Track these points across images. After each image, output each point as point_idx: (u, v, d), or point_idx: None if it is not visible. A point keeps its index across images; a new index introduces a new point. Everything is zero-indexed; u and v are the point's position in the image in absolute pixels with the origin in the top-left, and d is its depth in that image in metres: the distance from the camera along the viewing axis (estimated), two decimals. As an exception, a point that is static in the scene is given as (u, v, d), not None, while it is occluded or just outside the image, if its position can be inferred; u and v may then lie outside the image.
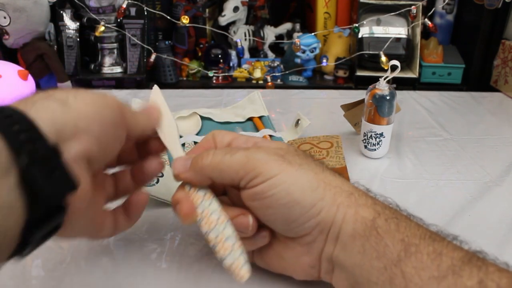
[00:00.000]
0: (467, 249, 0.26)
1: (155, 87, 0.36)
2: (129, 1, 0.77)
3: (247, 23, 0.91)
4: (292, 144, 0.53)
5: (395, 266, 0.25)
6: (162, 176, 0.45)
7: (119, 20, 0.78)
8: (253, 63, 0.87)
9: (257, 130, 0.57)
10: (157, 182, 0.44)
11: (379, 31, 0.82)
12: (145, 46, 0.79)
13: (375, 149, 0.51)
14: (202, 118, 0.60)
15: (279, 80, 0.86)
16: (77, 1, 0.76)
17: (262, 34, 0.89)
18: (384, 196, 0.31)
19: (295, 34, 0.88)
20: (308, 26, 0.96)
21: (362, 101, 0.52)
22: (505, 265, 0.25)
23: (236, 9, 0.86)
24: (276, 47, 0.93)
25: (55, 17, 0.77)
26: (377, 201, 0.29)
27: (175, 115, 0.60)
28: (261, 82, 0.85)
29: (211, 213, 0.29)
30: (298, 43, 0.82)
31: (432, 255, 0.25)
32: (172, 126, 0.34)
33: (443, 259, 0.24)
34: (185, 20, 0.79)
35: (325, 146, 0.52)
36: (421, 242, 0.25)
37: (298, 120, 0.56)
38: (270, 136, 0.54)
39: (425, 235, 0.26)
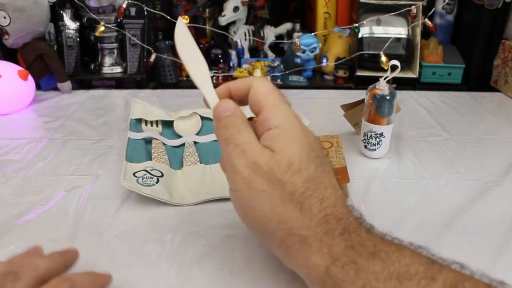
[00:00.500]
0: (444, 278, 0.24)
1: (179, 21, 0.35)
2: (129, 1, 0.77)
3: (247, 23, 0.91)
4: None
5: None
6: (162, 176, 0.45)
7: (119, 20, 0.78)
8: (253, 63, 0.87)
9: None
10: (157, 182, 0.44)
11: (379, 31, 0.82)
12: (145, 46, 0.79)
13: (375, 149, 0.51)
14: (202, 118, 0.60)
15: (279, 80, 0.86)
16: (77, 1, 0.76)
17: (262, 34, 0.89)
18: (357, 209, 0.29)
19: (295, 34, 0.88)
20: (308, 26, 0.96)
21: (362, 101, 0.52)
22: (488, 281, 0.24)
23: (236, 9, 0.86)
24: (276, 47, 0.93)
25: (55, 17, 0.77)
26: (336, 243, 0.26)
27: (175, 115, 0.60)
28: (261, 82, 0.85)
29: None
30: (298, 43, 0.82)
31: None
32: (202, 64, 0.34)
33: None
34: (185, 20, 0.79)
35: (325, 146, 0.52)
36: (386, 285, 0.23)
37: None
38: None
39: (391, 277, 0.24)
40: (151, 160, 0.48)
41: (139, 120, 0.58)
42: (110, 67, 0.82)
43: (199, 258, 0.36)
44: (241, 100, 0.33)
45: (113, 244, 0.37)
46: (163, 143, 0.53)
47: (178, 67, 0.86)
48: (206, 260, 0.35)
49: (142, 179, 0.44)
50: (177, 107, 0.68)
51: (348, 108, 0.57)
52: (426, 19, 0.80)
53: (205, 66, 0.34)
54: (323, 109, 0.72)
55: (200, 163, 0.49)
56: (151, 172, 0.45)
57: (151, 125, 0.58)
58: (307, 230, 0.27)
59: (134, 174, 0.44)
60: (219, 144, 0.31)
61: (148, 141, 0.54)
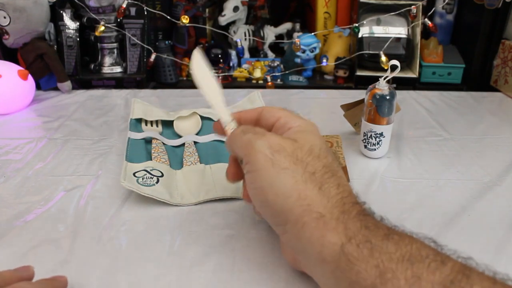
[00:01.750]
0: (452, 263, 0.24)
1: (195, 53, 0.41)
2: (129, 1, 0.77)
3: (247, 23, 0.91)
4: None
5: None
6: (162, 176, 0.45)
7: (119, 20, 0.78)
8: (253, 63, 0.87)
9: None
10: (157, 182, 0.44)
11: (379, 31, 0.82)
12: (145, 46, 0.79)
13: (375, 149, 0.51)
14: (202, 118, 0.60)
15: (279, 80, 0.86)
16: (77, 1, 0.76)
17: (262, 34, 0.89)
18: (368, 204, 0.30)
19: (295, 34, 0.88)
20: (308, 26, 0.96)
21: (362, 101, 0.52)
22: (492, 274, 0.24)
23: (236, 9, 0.86)
24: (276, 47, 0.93)
25: (55, 17, 0.77)
26: (352, 222, 0.27)
27: (175, 115, 0.60)
28: (261, 82, 0.85)
29: None
30: (298, 43, 0.82)
31: (411, 280, 0.23)
32: (216, 90, 0.38)
33: (422, 284, 0.23)
34: (185, 20, 0.79)
35: None
36: (398, 266, 0.24)
37: None
38: None
39: (403, 258, 0.24)
40: (151, 160, 0.48)
41: (139, 120, 0.58)
42: (110, 67, 0.82)
43: (199, 258, 0.36)
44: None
45: (113, 244, 0.37)
46: (163, 143, 0.53)
47: (178, 67, 0.86)
48: (206, 260, 0.35)
49: (142, 179, 0.44)
50: (177, 107, 0.68)
51: (348, 108, 0.57)
52: (426, 19, 0.80)
53: (219, 91, 0.39)
54: (323, 109, 0.72)
55: (200, 163, 0.49)
56: (151, 172, 0.45)
57: (151, 125, 0.58)
58: (324, 209, 0.27)
59: (134, 174, 0.44)
60: (231, 144, 0.33)
61: (148, 141, 0.54)
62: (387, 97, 0.48)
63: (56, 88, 0.76)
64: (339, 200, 0.28)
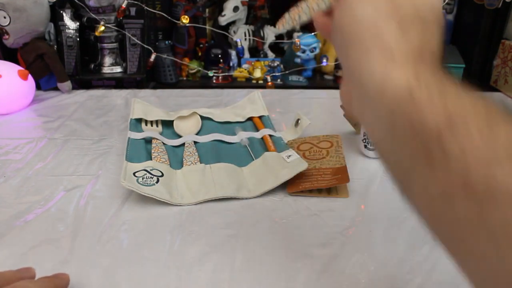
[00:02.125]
0: None
1: None
2: (129, 1, 0.77)
3: (247, 23, 0.91)
4: (292, 144, 0.53)
5: (436, 144, 0.20)
6: (162, 175, 0.45)
7: (119, 20, 0.78)
8: (253, 63, 0.87)
9: (257, 129, 0.57)
10: (157, 182, 0.44)
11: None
12: (145, 46, 0.79)
13: (375, 149, 0.51)
14: (202, 118, 0.60)
15: (279, 80, 0.86)
16: (77, 1, 0.76)
17: (262, 34, 0.89)
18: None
19: (295, 34, 0.88)
20: (308, 26, 0.96)
21: (362, 101, 0.52)
22: None
23: (236, 9, 0.86)
24: (276, 47, 0.93)
25: (55, 17, 0.77)
26: (424, 66, 0.23)
27: (175, 115, 0.60)
28: (261, 82, 0.85)
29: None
30: (298, 43, 0.82)
31: (485, 130, 0.19)
32: None
33: (499, 136, 0.19)
34: (185, 20, 0.79)
35: (325, 145, 0.52)
36: (471, 115, 0.20)
37: (298, 119, 0.56)
38: (270, 136, 0.54)
39: (479, 110, 0.20)
40: (151, 160, 0.48)
41: (139, 120, 0.58)
42: (110, 67, 0.82)
43: (199, 258, 0.36)
44: None
45: (113, 244, 0.37)
46: (163, 143, 0.53)
47: (178, 67, 0.86)
48: (206, 260, 0.35)
49: (142, 178, 0.44)
50: (177, 107, 0.68)
51: (348, 108, 0.57)
52: (426, 19, 0.80)
53: None
54: (323, 109, 0.72)
55: (200, 162, 0.49)
56: (151, 172, 0.45)
57: (151, 125, 0.58)
58: (396, 44, 0.23)
59: (134, 174, 0.44)
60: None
61: (148, 141, 0.53)
62: (387, 97, 0.48)
63: (56, 88, 0.76)
64: (417, 45, 0.24)
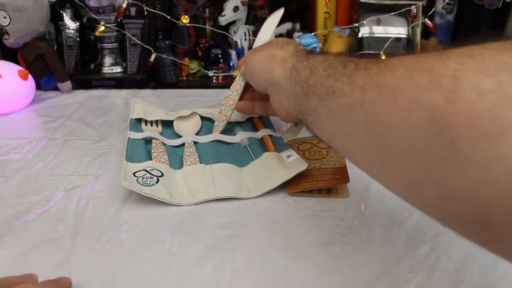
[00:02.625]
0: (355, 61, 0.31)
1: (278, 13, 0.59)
2: (129, 1, 0.77)
3: (247, 23, 0.90)
4: (292, 144, 0.53)
5: (305, 83, 0.36)
6: (162, 175, 0.45)
7: (119, 20, 0.78)
8: (253, 63, 0.87)
9: (257, 129, 0.57)
10: (157, 182, 0.44)
11: (379, 31, 0.82)
12: (145, 46, 0.79)
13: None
14: (202, 118, 0.60)
15: (279, 80, 0.85)
16: (77, 1, 0.76)
17: (262, 34, 0.89)
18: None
19: (295, 34, 0.88)
20: (308, 26, 0.96)
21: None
22: None
23: (236, 9, 0.86)
24: (276, 47, 0.92)
25: (55, 17, 0.77)
26: (301, 54, 0.41)
27: (175, 115, 0.60)
28: (261, 82, 0.85)
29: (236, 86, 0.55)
30: (298, 42, 0.82)
31: (326, 67, 0.34)
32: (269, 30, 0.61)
33: (330, 66, 0.33)
34: (185, 20, 0.79)
35: (324, 145, 0.52)
36: (319, 64, 0.35)
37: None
38: (270, 136, 0.54)
39: (323, 62, 0.35)
40: (151, 160, 0.48)
41: (139, 120, 0.58)
42: (110, 67, 0.82)
43: (199, 258, 0.36)
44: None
45: (113, 244, 0.37)
46: (163, 143, 0.53)
47: (178, 67, 0.86)
48: (206, 260, 0.36)
49: (142, 179, 0.44)
50: (177, 107, 0.68)
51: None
52: (426, 19, 0.80)
53: (270, 34, 0.62)
54: (323, 109, 0.72)
55: (200, 163, 0.49)
56: (151, 172, 0.45)
57: (151, 125, 0.58)
58: (284, 54, 0.43)
59: (134, 174, 0.44)
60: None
61: (148, 141, 0.53)
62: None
63: (56, 88, 0.76)
64: (293, 50, 0.43)
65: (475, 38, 0.23)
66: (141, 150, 0.50)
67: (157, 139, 0.53)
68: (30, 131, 0.61)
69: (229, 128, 0.57)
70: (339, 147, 0.32)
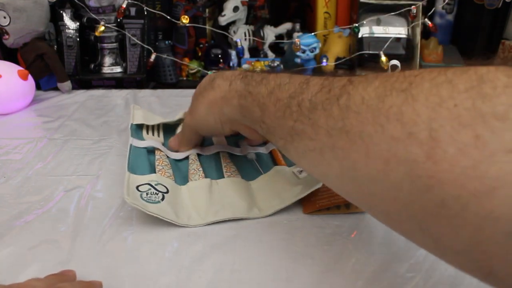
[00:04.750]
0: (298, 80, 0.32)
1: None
2: (129, 1, 0.77)
3: (247, 23, 0.90)
4: None
5: (262, 123, 0.35)
6: (167, 192, 0.42)
7: (119, 20, 0.78)
8: (253, 63, 0.87)
9: (264, 143, 0.53)
10: (163, 199, 0.40)
11: (379, 31, 0.82)
12: (145, 46, 0.79)
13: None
14: None
15: (279, 80, 0.85)
16: (77, 1, 0.76)
17: (262, 34, 0.89)
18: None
19: (295, 34, 0.88)
20: (308, 26, 0.96)
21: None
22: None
23: (236, 9, 0.86)
24: (276, 47, 0.92)
25: (55, 17, 0.77)
26: (238, 83, 0.39)
27: (175, 115, 0.59)
28: (261, 82, 0.85)
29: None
30: (298, 43, 0.82)
31: (276, 103, 0.32)
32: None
33: (279, 99, 0.32)
34: (185, 20, 0.79)
35: None
36: (266, 99, 0.34)
37: None
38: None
39: (270, 92, 0.34)
40: (155, 172, 0.44)
41: (140, 126, 0.55)
42: (110, 67, 0.82)
43: (199, 258, 0.36)
44: None
45: (113, 244, 0.37)
46: (167, 156, 0.50)
47: (178, 67, 0.86)
48: (206, 260, 0.36)
49: (147, 194, 0.40)
50: (177, 107, 0.68)
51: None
52: (426, 19, 0.80)
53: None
54: (323, 109, 0.72)
55: (206, 177, 0.45)
56: (155, 187, 0.42)
57: (152, 134, 0.55)
58: (221, 93, 0.40)
59: (137, 187, 0.41)
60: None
61: (150, 150, 0.50)
62: (387, 97, 0.48)
63: (56, 88, 0.76)
64: (226, 80, 0.40)
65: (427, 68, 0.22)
66: (144, 161, 0.47)
67: (160, 150, 0.50)
68: (30, 131, 0.61)
69: (233, 142, 0.54)
70: (320, 179, 0.31)
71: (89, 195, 0.44)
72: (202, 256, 0.36)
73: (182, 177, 0.46)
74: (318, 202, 0.41)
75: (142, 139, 0.52)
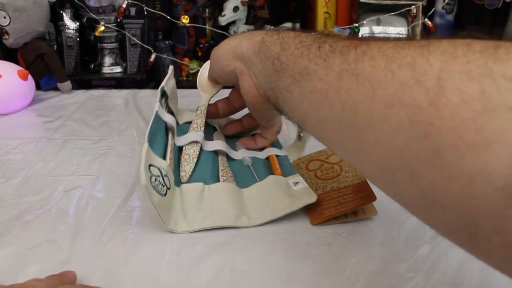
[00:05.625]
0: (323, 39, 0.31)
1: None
2: (129, 1, 0.77)
3: (247, 23, 0.90)
4: (299, 165, 0.49)
5: (276, 59, 0.35)
6: (169, 189, 0.40)
7: (119, 20, 0.78)
8: (253, 63, 0.87)
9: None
10: (165, 194, 0.38)
11: (379, 31, 0.82)
12: (145, 46, 0.79)
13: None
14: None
15: (279, 80, 0.85)
16: (77, 1, 0.76)
17: (262, 34, 0.89)
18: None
19: (295, 34, 0.88)
20: (308, 26, 0.96)
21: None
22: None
23: (236, 9, 0.86)
24: (276, 47, 0.92)
25: (55, 17, 0.77)
26: (274, 29, 0.39)
27: (183, 116, 0.55)
28: (261, 82, 0.85)
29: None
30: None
31: (298, 45, 0.33)
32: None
33: (303, 41, 0.33)
34: (185, 20, 0.79)
35: (335, 160, 0.47)
36: (290, 40, 0.34)
37: (300, 133, 0.52)
38: (277, 156, 0.49)
39: (295, 38, 0.34)
40: (165, 159, 0.42)
41: (164, 97, 0.51)
42: (110, 67, 0.82)
43: (199, 258, 0.36)
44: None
45: (113, 244, 0.37)
46: (174, 145, 0.47)
47: (178, 67, 0.86)
48: (206, 260, 0.35)
49: (155, 180, 0.38)
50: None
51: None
52: (426, 19, 0.80)
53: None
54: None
55: (199, 181, 0.43)
56: (164, 178, 0.40)
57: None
58: (250, 34, 0.41)
59: (149, 167, 0.38)
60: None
61: (166, 128, 0.47)
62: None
63: (56, 88, 0.76)
64: (261, 32, 0.40)
65: (457, 34, 0.23)
66: (161, 138, 0.44)
67: (173, 134, 0.48)
68: (30, 131, 0.61)
69: (230, 143, 0.52)
70: (312, 131, 0.31)
71: (89, 195, 0.44)
72: (202, 256, 0.36)
73: (177, 175, 0.45)
74: (326, 212, 0.40)
75: (163, 111, 0.48)
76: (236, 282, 0.33)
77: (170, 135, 0.47)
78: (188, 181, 0.43)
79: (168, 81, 0.53)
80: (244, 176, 0.46)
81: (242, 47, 0.40)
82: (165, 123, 0.48)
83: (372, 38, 0.28)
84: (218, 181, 0.44)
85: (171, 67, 0.57)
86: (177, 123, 0.52)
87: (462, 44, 0.22)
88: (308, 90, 0.29)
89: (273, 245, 0.37)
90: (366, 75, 0.24)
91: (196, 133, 0.48)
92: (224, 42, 0.45)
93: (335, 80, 0.26)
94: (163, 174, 0.40)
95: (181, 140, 0.48)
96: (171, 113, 0.51)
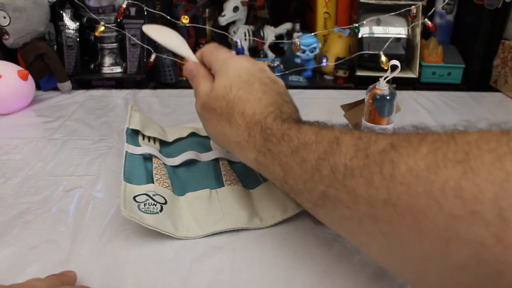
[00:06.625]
0: (325, 138, 0.29)
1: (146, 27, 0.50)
2: (129, 1, 0.77)
3: (247, 23, 0.91)
4: None
5: (285, 183, 0.32)
6: (166, 203, 0.40)
7: (119, 20, 0.78)
8: (253, 63, 0.87)
9: None
10: (161, 210, 0.38)
11: (379, 31, 0.82)
12: (145, 46, 0.79)
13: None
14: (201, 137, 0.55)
15: (279, 80, 0.85)
16: (77, 1, 0.76)
17: (262, 34, 0.89)
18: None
19: (295, 34, 0.88)
20: (308, 26, 0.96)
21: (362, 101, 0.52)
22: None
23: (236, 9, 0.86)
24: (276, 47, 0.93)
25: (55, 17, 0.77)
26: (257, 140, 0.35)
27: (172, 135, 0.55)
28: (261, 82, 0.85)
29: None
30: (298, 43, 0.82)
31: (301, 163, 0.30)
32: (177, 38, 0.50)
33: (307, 162, 0.30)
34: (185, 20, 0.79)
35: None
36: (291, 158, 0.31)
37: None
38: None
39: (292, 150, 0.31)
40: (152, 182, 0.42)
41: (136, 132, 0.52)
42: (110, 67, 0.82)
43: (199, 258, 0.36)
44: None
45: (113, 244, 0.37)
46: (164, 164, 0.48)
47: (178, 67, 0.86)
48: (206, 260, 0.35)
49: (144, 205, 0.38)
50: (177, 107, 0.68)
51: (348, 108, 0.57)
52: (426, 19, 0.80)
53: (179, 37, 0.50)
54: (323, 109, 0.72)
55: (205, 187, 0.43)
56: (153, 197, 0.40)
57: (149, 141, 0.52)
58: (238, 137, 0.36)
59: (134, 198, 0.39)
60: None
61: (146, 158, 0.48)
62: (388, 97, 0.48)
63: (56, 88, 0.76)
64: (245, 126, 0.36)
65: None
66: (141, 169, 0.45)
67: (158, 158, 0.48)
68: (30, 131, 0.61)
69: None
70: (358, 247, 0.29)
71: (89, 195, 0.44)
72: (202, 256, 0.36)
73: (180, 187, 0.44)
74: None
75: (138, 145, 0.49)
76: (236, 282, 0.33)
77: (154, 160, 0.47)
78: (192, 190, 0.43)
79: (131, 119, 0.53)
80: (249, 177, 0.46)
81: (240, 155, 0.38)
82: (142, 155, 0.47)
83: (389, 145, 0.23)
84: (223, 185, 0.44)
85: (129, 107, 0.57)
86: (166, 142, 0.54)
87: (509, 155, 0.19)
88: (337, 216, 0.27)
89: (273, 245, 0.37)
90: (405, 205, 0.21)
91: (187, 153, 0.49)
92: (211, 126, 0.40)
93: (367, 209, 0.23)
94: (151, 195, 0.40)
95: (175, 161, 0.49)
96: (154, 139, 0.53)
